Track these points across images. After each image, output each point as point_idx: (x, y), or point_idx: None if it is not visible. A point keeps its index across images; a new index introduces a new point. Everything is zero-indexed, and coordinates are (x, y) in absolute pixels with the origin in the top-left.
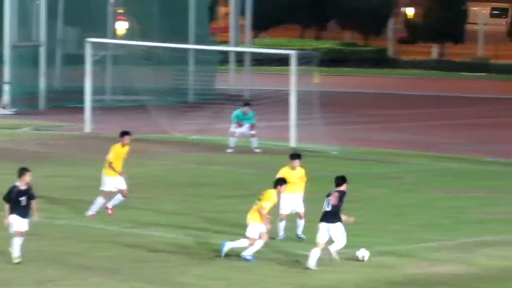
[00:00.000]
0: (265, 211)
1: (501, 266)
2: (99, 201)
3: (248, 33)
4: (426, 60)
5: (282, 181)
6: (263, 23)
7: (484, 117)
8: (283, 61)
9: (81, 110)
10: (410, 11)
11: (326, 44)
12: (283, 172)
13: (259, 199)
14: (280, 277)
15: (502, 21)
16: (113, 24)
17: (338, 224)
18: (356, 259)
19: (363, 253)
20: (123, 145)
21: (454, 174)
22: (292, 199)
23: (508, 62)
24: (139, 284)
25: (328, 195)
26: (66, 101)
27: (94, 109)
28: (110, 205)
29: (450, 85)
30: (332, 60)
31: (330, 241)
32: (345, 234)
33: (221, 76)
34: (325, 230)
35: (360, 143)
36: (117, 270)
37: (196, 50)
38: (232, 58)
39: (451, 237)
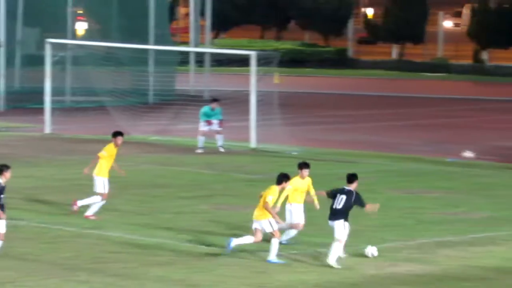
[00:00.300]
0: (270, 206)
1: (461, 266)
2: (97, 201)
3: (208, 33)
4: (386, 61)
5: (286, 177)
6: (223, 23)
7: (444, 117)
8: (243, 61)
9: (41, 111)
10: (370, 12)
11: (286, 45)
12: (293, 182)
13: (260, 196)
14: (240, 278)
15: (463, 21)
16: (73, 24)
17: (341, 221)
18: (366, 255)
19: (371, 250)
20: (116, 146)
21: (413, 174)
22: (300, 210)
23: (468, 62)
24: (99, 285)
25: (342, 191)
26: (26, 102)
27: (54, 110)
28: (80, 203)
29: (410, 85)
30: (292, 61)
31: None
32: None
33: (181, 77)
34: (341, 226)
35: (320, 143)
36: (77, 271)
37: (156, 51)
38: (192, 58)
39: (411, 238)
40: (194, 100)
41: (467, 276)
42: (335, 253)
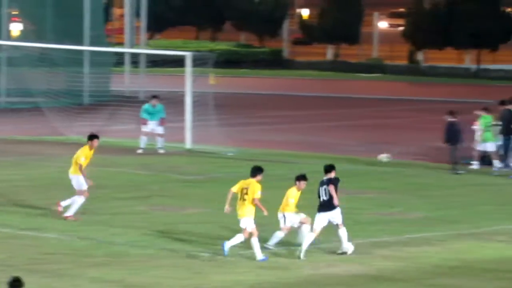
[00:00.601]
0: (260, 202)
1: (396, 266)
2: (78, 200)
3: (143, 34)
4: (321, 61)
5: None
6: (158, 24)
7: (379, 118)
8: (178, 62)
9: None
10: (305, 13)
11: (221, 46)
12: (291, 193)
13: (246, 193)
14: (176, 279)
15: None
16: (8, 25)
17: (338, 209)
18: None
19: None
20: (91, 148)
21: (349, 175)
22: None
23: (403, 62)
24: (34, 286)
25: (322, 183)
26: None
27: None
28: (64, 204)
29: (345, 86)
30: (227, 62)
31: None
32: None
33: (116, 78)
34: (325, 219)
35: (256, 144)
36: (12, 272)
37: (91, 52)
38: (127, 59)
39: (348, 238)
40: (129, 101)
41: (403, 277)
42: (345, 238)
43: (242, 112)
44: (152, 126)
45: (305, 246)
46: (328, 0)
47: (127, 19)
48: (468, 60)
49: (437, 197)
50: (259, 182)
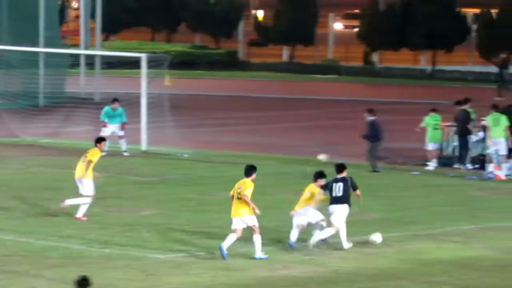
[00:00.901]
0: (249, 198)
1: (353, 268)
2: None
3: (99, 36)
4: (277, 63)
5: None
6: (113, 26)
7: (335, 119)
8: (134, 64)
9: None
10: (260, 14)
11: (177, 47)
12: (311, 188)
13: (238, 193)
14: (130, 280)
15: (354, 22)
16: None
17: (345, 206)
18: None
19: (375, 238)
20: (100, 150)
21: (304, 176)
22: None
23: (358, 64)
24: None
25: (336, 180)
26: None
27: None
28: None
29: (301, 87)
30: (183, 63)
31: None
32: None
33: (71, 79)
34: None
35: (211, 145)
36: None
37: (46, 53)
38: (82, 61)
39: (304, 240)
40: (84, 102)
41: (359, 278)
42: (344, 236)
43: (197, 113)
44: (112, 129)
45: (320, 236)
46: (283, 2)
47: (82, 21)
48: (423, 61)
49: (393, 198)
50: (253, 181)
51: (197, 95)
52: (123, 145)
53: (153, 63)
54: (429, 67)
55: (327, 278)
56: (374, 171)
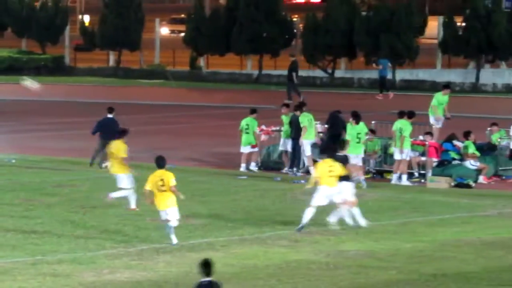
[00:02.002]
0: (175, 188)
1: (180, 272)
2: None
3: None
4: (103, 68)
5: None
6: None
7: (161, 123)
8: None
9: None
10: (86, 19)
11: (3, 53)
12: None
13: (162, 185)
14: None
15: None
16: None
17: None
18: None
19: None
20: (124, 142)
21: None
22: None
23: (184, 68)
24: None
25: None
26: None
27: None
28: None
29: (128, 92)
30: (9, 68)
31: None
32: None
33: None
34: (347, 186)
35: (37, 151)
36: None
37: None
38: None
39: (131, 244)
40: None
41: (187, 281)
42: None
43: (23, 119)
44: None
45: (338, 215)
46: (108, 6)
47: None
48: (249, 66)
49: (221, 202)
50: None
51: (23, 101)
52: None
53: None
54: (255, 72)
55: (154, 282)
56: (91, 164)
